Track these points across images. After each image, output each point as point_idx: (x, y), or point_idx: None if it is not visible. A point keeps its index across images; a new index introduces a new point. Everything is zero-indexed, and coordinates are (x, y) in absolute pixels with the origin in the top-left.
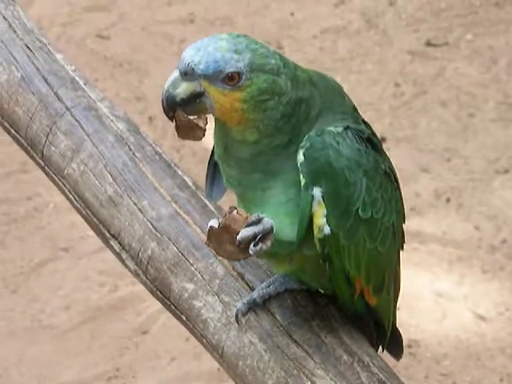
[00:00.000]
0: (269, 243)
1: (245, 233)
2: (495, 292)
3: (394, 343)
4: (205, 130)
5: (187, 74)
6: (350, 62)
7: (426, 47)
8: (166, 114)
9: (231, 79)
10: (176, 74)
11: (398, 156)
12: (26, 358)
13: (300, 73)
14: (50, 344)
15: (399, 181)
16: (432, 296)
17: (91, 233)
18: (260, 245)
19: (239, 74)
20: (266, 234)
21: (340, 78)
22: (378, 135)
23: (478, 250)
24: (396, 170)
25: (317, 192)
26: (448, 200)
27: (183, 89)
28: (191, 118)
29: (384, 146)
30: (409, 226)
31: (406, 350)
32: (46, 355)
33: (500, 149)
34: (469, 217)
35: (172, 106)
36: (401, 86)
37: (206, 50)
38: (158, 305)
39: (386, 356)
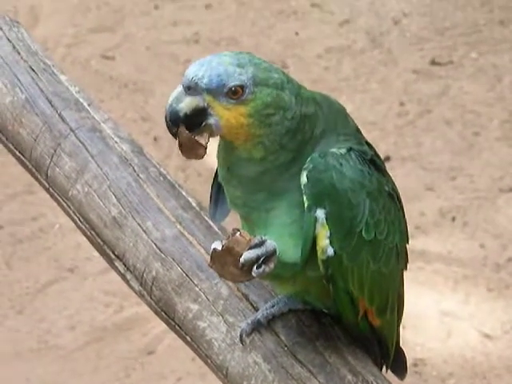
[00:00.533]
0: (272, 265)
1: (248, 255)
2: (501, 310)
3: (397, 363)
4: (206, 148)
5: (191, 89)
6: (354, 82)
7: (431, 66)
8: (169, 130)
9: (235, 93)
10: (180, 89)
11: (402, 175)
12: (32, 379)
13: (303, 91)
14: (56, 364)
15: (404, 200)
16: (437, 315)
17: (96, 253)
18: (263, 267)
19: (242, 87)
20: (269, 256)
21: (345, 97)
22: (383, 154)
23: (483, 268)
24: (401, 188)
25: (320, 213)
26: (453, 219)
27: (186, 104)
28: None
29: (389, 165)
30: (414, 245)
31: (411, 369)
32: (52, 376)
33: (505, 167)
34: (474, 235)
35: (175, 121)
36: (405, 105)
37: (210, 65)
38: (163, 325)
39: (390, 376)
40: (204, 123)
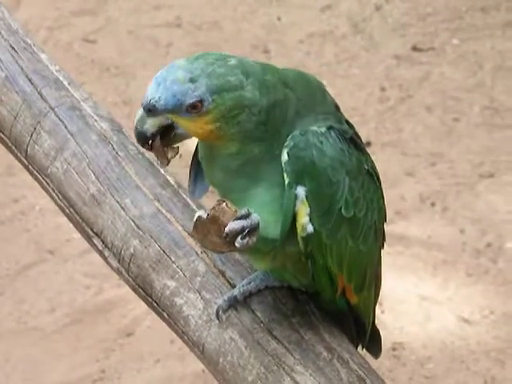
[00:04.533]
0: (255, 239)
1: (233, 225)
2: (479, 295)
3: (372, 342)
4: (169, 161)
5: (150, 111)
6: (336, 67)
7: (412, 52)
8: (141, 146)
9: (194, 108)
10: (141, 111)
11: (383, 160)
12: (11, 360)
13: (270, 77)
14: (35, 346)
15: (384, 185)
16: (416, 299)
17: (77, 235)
18: (246, 239)
19: (200, 101)
20: (253, 229)
21: (326, 82)
22: (364, 140)
23: (462, 253)
24: (381, 174)
25: (300, 191)
26: (433, 204)
27: (150, 124)
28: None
29: (369, 150)
30: (393, 229)
31: (390, 353)
32: (31, 357)
33: (485, 153)
34: (453, 221)
35: (145, 141)
36: (386, 91)
37: (165, 85)
38: (143, 307)
39: (371, 359)
40: (173, 133)
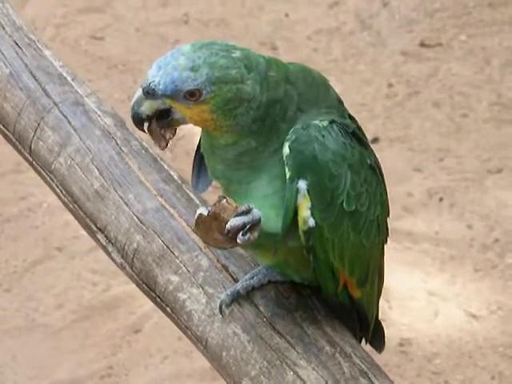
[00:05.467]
0: (256, 234)
1: (234, 222)
2: (487, 291)
3: (376, 336)
4: (167, 143)
5: (149, 93)
6: (343, 63)
7: (420, 48)
8: (137, 128)
9: (192, 95)
10: (140, 92)
11: (390, 156)
12: (19, 357)
13: (273, 73)
14: (43, 342)
15: (392, 181)
16: (424, 295)
17: (84, 232)
18: (248, 235)
19: (198, 90)
20: (254, 224)
21: (333, 78)
22: (371, 135)
23: (470, 249)
24: (389, 169)
25: (302, 185)
26: (441, 200)
27: (147, 107)
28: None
29: (377, 146)
30: (401, 225)
31: (397, 349)
32: (39, 354)
33: (493, 149)
34: (461, 216)
35: (140, 123)
36: (394, 87)
37: (165, 70)
38: (150, 304)
39: (377, 355)
40: (170, 117)
